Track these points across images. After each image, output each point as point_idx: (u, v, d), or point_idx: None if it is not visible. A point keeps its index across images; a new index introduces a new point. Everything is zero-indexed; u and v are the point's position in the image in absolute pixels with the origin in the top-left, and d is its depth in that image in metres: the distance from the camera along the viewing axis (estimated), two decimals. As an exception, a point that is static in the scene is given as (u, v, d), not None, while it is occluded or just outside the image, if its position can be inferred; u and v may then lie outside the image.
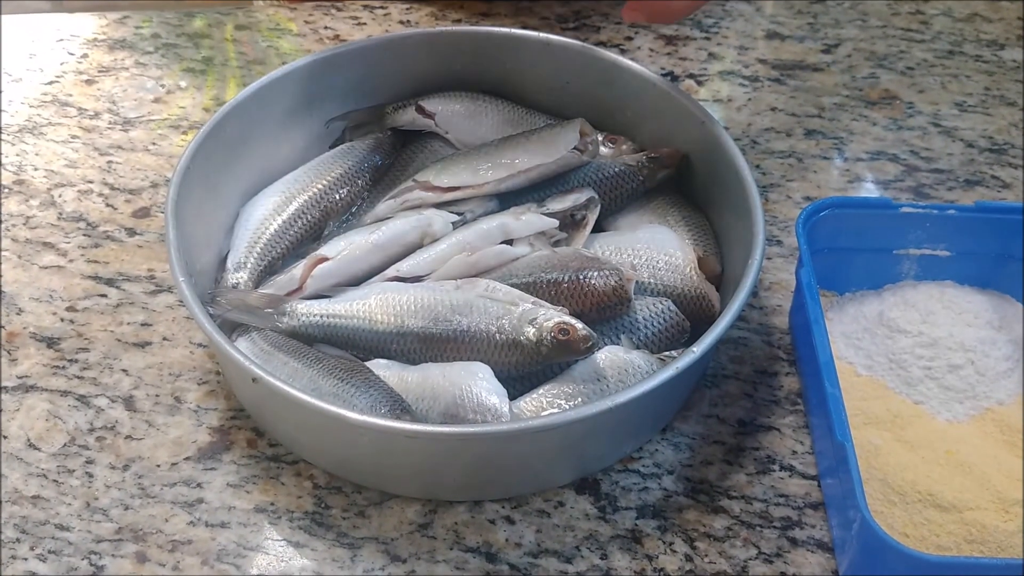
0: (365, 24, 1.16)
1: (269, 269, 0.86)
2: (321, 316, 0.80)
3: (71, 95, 1.07)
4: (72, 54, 1.12)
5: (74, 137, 1.03)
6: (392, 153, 0.94)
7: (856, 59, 1.14)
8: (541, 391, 0.76)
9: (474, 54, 0.97)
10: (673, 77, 1.10)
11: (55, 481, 0.77)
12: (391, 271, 0.83)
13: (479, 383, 0.75)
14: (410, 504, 0.76)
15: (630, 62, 0.93)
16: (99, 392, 0.83)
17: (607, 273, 0.79)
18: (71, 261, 0.92)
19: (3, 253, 0.92)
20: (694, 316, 0.82)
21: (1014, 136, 1.06)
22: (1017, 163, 1.03)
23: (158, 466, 0.78)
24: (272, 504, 0.76)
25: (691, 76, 1.11)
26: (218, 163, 0.86)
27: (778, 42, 1.16)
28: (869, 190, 1.01)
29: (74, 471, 0.78)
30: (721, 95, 1.10)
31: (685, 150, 0.91)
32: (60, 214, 0.96)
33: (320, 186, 0.89)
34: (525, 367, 0.77)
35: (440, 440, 0.71)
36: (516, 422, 0.72)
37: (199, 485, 0.77)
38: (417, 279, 0.82)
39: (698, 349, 0.73)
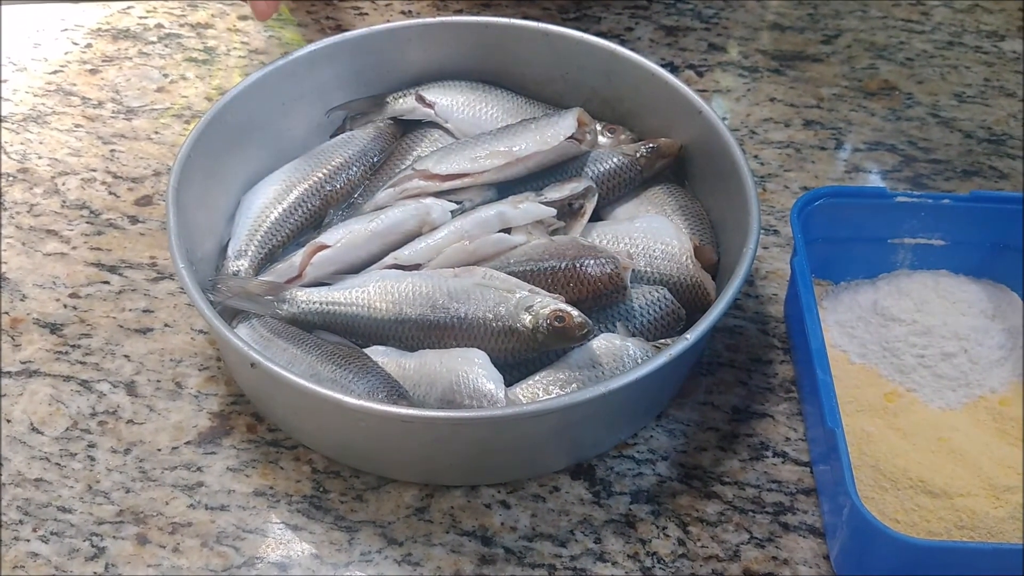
0: (367, 14, 1.17)
1: (269, 257, 0.87)
2: (320, 303, 0.81)
3: (75, 84, 1.08)
4: (76, 43, 1.13)
5: (78, 126, 1.04)
6: (392, 142, 0.95)
7: (856, 50, 1.14)
8: (537, 377, 0.77)
9: (474, 44, 0.97)
10: (673, 68, 1.11)
11: (57, 464, 0.78)
12: (390, 259, 0.84)
13: (476, 369, 0.75)
14: (407, 488, 0.77)
15: (629, 52, 0.94)
16: (101, 377, 0.84)
17: (604, 261, 0.80)
18: (74, 248, 0.93)
19: (7, 240, 0.93)
20: (690, 304, 0.83)
21: (1013, 127, 1.06)
22: (1016, 154, 1.03)
23: (159, 450, 0.79)
24: (271, 488, 0.77)
25: (691, 67, 1.12)
26: (219, 152, 0.87)
27: (778, 33, 1.16)
28: (867, 180, 1.01)
29: (76, 454, 0.79)
30: (720, 85, 1.10)
31: (683, 140, 0.91)
32: (63, 202, 0.97)
33: (320, 175, 0.90)
34: (521, 354, 0.78)
35: (436, 425, 0.72)
36: (512, 407, 0.73)
37: (199, 469, 0.78)
38: (416, 267, 0.83)
39: (692, 336, 0.73)
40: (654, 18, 1.17)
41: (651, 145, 0.91)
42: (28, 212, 0.96)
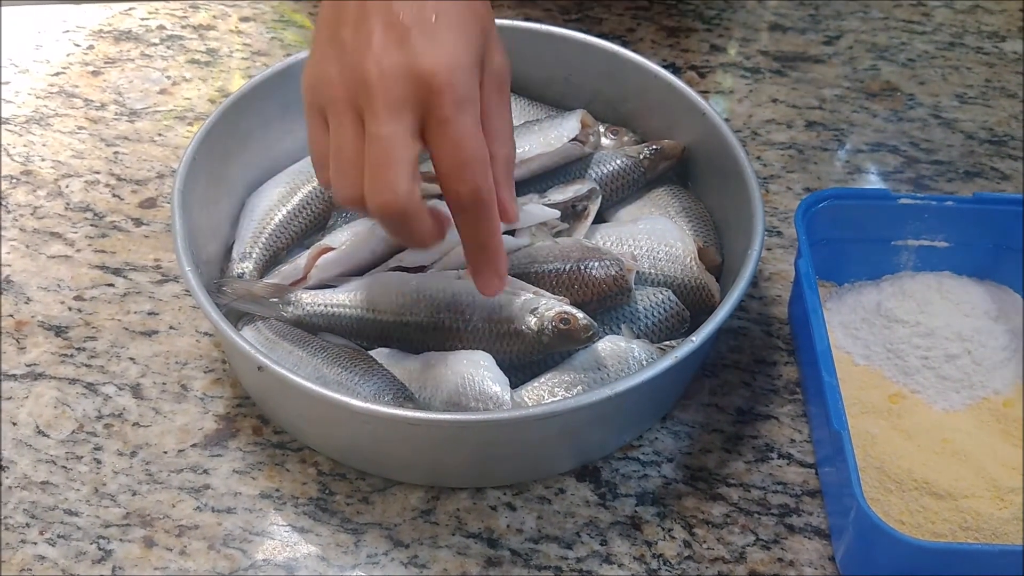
0: (369, 15, 1.17)
1: (274, 259, 0.87)
2: (325, 305, 0.81)
3: (77, 86, 1.08)
4: (78, 45, 1.13)
5: (80, 128, 1.04)
6: (395, 144, 0.94)
7: (857, 51, 1.14)
8: (542, 380, 0.77)
9: (477, 46, 0.97)
10: (675, 69, 1.11)
11: (64, 467, 0.78)
12: (394, 261, 0.84)
13: (481, 372, 0.75)
14: (413, 491, 0.77)
15: (632, 54, 0.94)
16: (107, 380, 0.84)
17: (608, 263, 0.80)
18: (78, 251, 0.93)
19: (11, 243, 0.93)
20: (694, 306, 0.83)
21: (1014, 128, 1.06)
22: (1017, 155, 1.04)
23: (165, 453, 0.79)
24: (277, 490, 0.77)
25: (693, 68, 1.12)
26: (223, 154, 0.87)
27: (780, 34, 1.16)
28: (869, 181, 1.01)
29: (82, 457, 0.79)
30: (723, 87, 1.11)
31: (686, 141, 0.91)
32: (67, 204, 0.97)
33: (324, 177, 0.90)
34: (526, 356, 0.78)
35: (442, 428, 0.72)
36: (517, 410, 0.73)
37: (205, 471, 0.78)
38: (420, 269, 0.83)
39: (697, 339, 0.73)
40: (655, 19, 1.17)
41: (654, 147, 0.91)
42: (32, 215, 0.96)
